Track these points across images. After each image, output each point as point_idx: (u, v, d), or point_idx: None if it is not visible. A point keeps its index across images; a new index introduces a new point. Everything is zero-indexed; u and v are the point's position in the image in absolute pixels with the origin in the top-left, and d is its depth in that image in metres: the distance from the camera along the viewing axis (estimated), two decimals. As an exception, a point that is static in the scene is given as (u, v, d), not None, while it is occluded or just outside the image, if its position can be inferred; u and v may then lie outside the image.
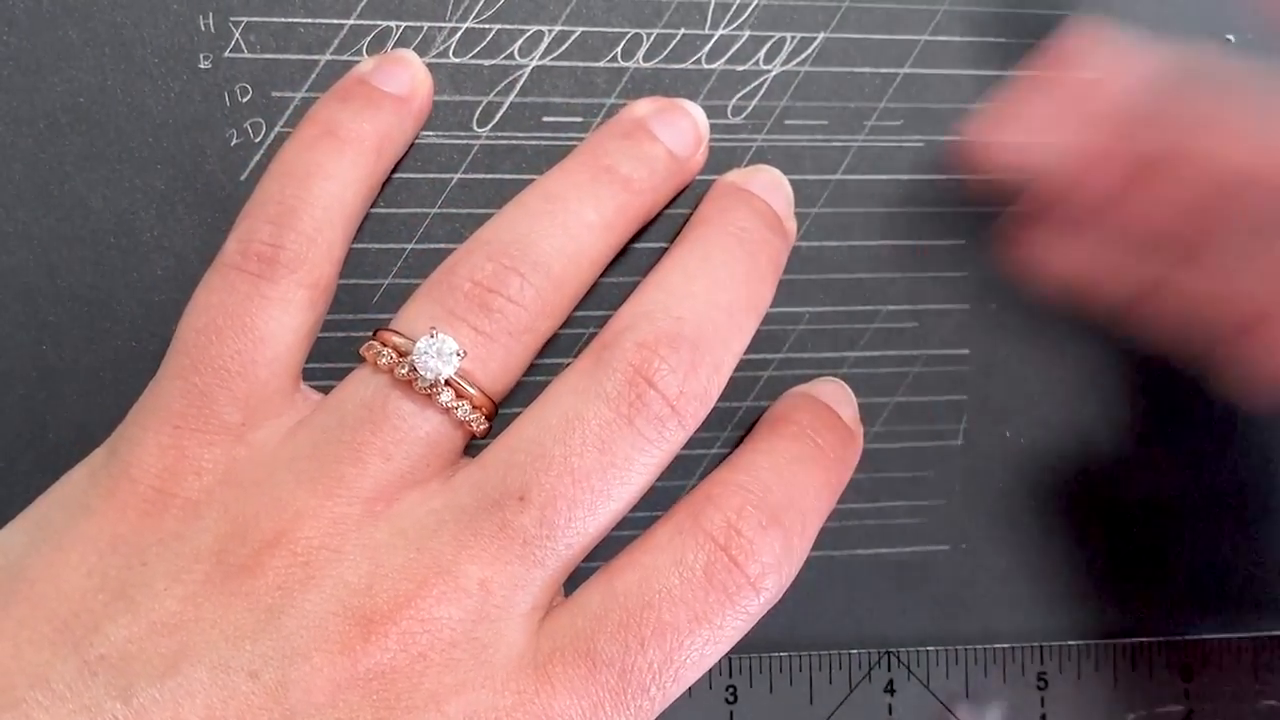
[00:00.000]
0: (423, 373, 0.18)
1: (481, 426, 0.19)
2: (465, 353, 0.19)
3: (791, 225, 0.23)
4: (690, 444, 0.23)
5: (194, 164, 0.22)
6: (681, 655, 0.18)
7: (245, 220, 0.20)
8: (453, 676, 0.17)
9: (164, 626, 0.17)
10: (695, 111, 0.22)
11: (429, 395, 0.19)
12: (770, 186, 0.22)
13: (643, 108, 0.22)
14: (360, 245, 0.22)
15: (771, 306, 0.23)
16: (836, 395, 0.23)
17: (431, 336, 0.19)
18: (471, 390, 0.19)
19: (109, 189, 0.22)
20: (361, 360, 0.19)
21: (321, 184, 0.20)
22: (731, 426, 0.24)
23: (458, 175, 0.23)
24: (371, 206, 0.22)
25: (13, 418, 0.22)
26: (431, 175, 0.23)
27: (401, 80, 0.21)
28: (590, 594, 0.19)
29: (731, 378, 0.23)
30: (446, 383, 0.19)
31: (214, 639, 0.17)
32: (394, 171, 0.22)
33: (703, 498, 0.19)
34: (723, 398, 0.23)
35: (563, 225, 0.20)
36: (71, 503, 0.19)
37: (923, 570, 0.25)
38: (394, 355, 0.19)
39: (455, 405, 0.19)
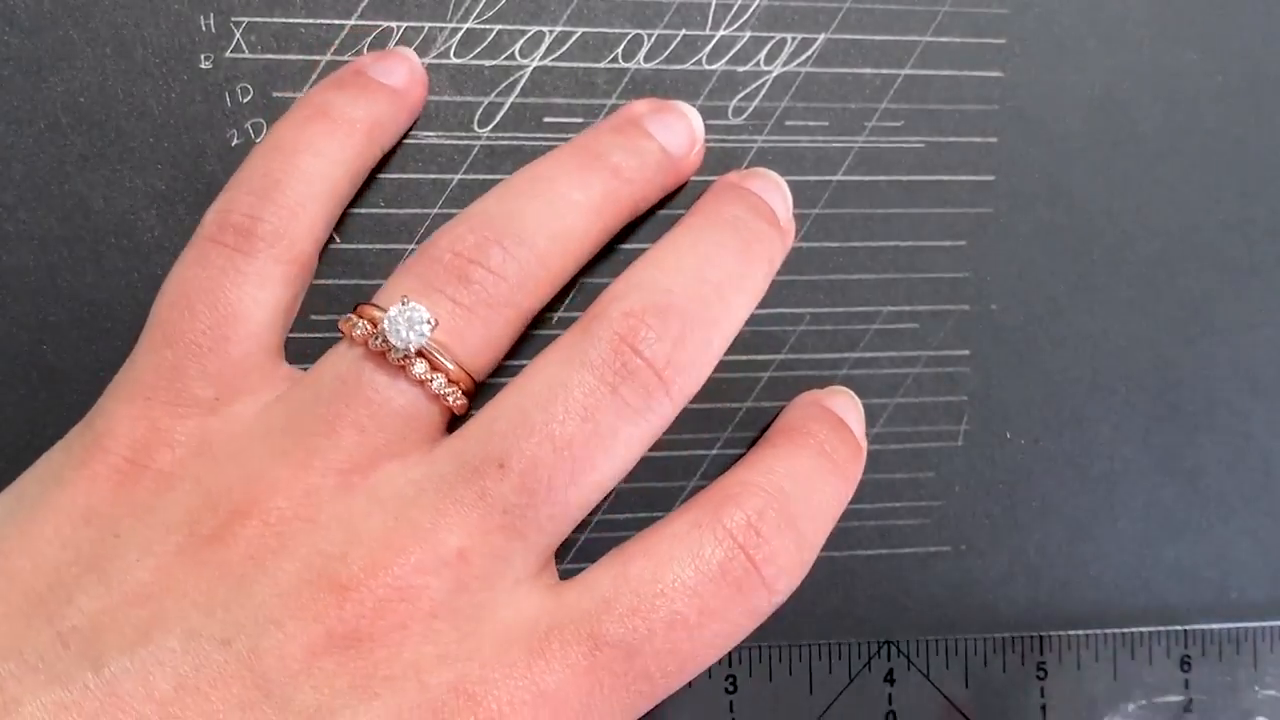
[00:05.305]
0: (394, 342, 0.18)
1: (459, 401, 0.19)
2: (437, 322, 0.18)
3: (789, 226, 0.23)
4: (691, 445, 0.23)
5: (194, 164, 0.22)
6: (687, 647, 0.18)
7: (227, 192, 0.20)
8: (434, 647, 0.17)
9: (136, 597, 0.17)
10: (691, 114, 0.22)
11: (402, 367, 0.18)
12: (767, 187, 0.22)
13: (639, 107, 0.22)
14: (361, 245, 0.22)
15: (772, 307, 0.24)
16: (847, 408, 0.22)
17: (403, 305, 0.18)
18: (447, 363, 0.19)
19: (109, 189, 0.22)
20: (341, 335, 0.19)
21: (309, 160, 0.20)
22: (733, 427, 0.24)
23: (458, 176, 0.23)
24: (372, 207, 0.22)
25: (13, 418, 0.22)
26: (432, 175, 0.23)
27: (399, 73, 0.21)
28: (600, 576, 0.18)
29: (732, 379, 0.23)
30: (420, 354, 0.18)
31: (185, 608, 0.17)
32: (394, 171, 0.22)
33: (722, 495, 0.19)
34: (724, 398, 0.23)
35: (548, 202, 0.20)
36: (47, 475, 0.19)
37: (923, 572, 0.25)
38: (368, 327, 0.19)
39: (430, 378, 0.18)
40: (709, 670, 0.23)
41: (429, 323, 0.18)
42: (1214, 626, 0.25)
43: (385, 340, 0.18)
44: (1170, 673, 0.24)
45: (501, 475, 0.18)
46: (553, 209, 0.20)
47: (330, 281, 0.22)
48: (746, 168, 0.23)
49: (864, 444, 0.22)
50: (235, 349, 0.19)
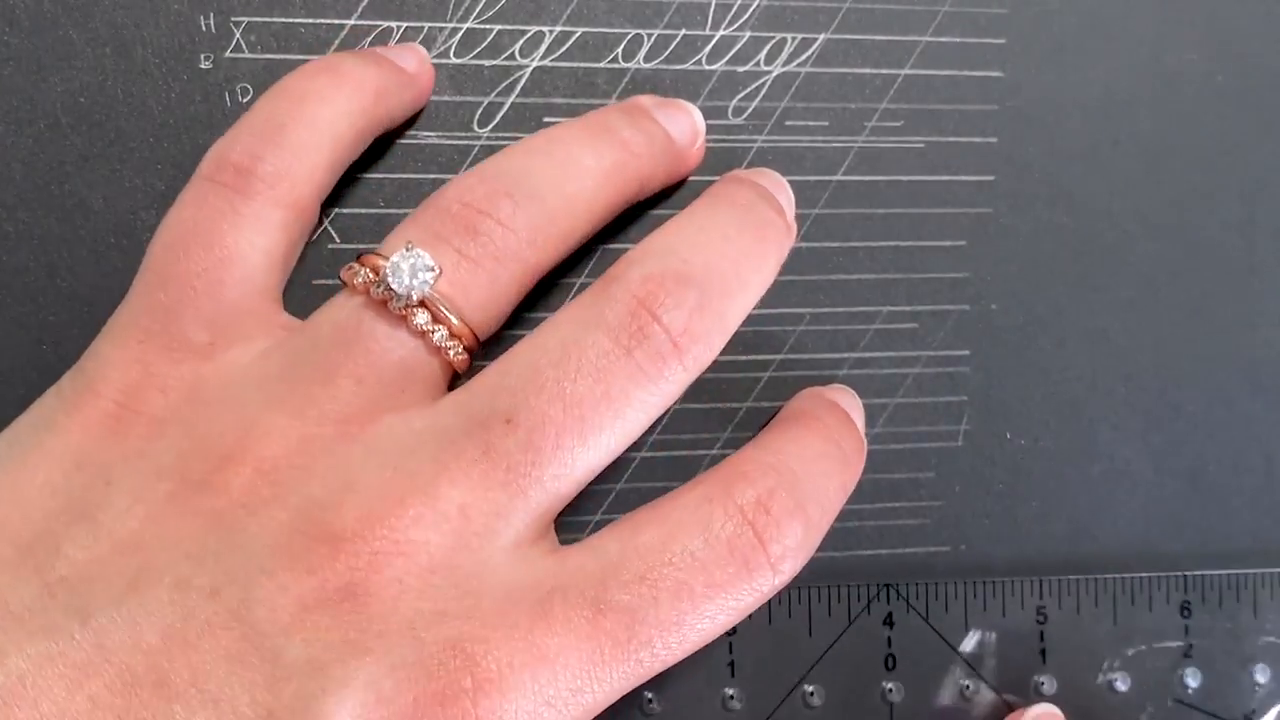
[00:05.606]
0: (395, 289, 0.18)
1: (460, 356, 0.19)
2: (441, 269, 0.18)
3: (793, 225, 0.22)
4: (691, 445, 0.23)
5: (194, 164, 0.22)
6: (692, 619, 0.17)
7: (228, 134, 0.19)
8: (431, 604, 0.17)
9: (126, 546, 0.17)
10: (694, 110, 0.23)
11: (403, 317, 0.18)
12: (774, 185, 0.22)
13: (643, 100, 0.22)
14: (361, 245, 0.22)
15: (772, 307, 0.24)
16: (850, 405, 0.22)
17: (406, 251, 0.18)
18: (450, 316, 0.18)
19: (109, 189, 0.22)
20: (343, 285, 0.19)
21: (315, 107, 0.19)
22: (732, 427, 0.24)
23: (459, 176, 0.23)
24: (372, 207, 0.22)
25: (13, 418, 0.22)
26: (432, 175, 0.23)
27: (409, 60, 0.22)
28: (607, 542, 0.18)
29: (732, 379, 0.23)
30: (423, 304, 0.18)
31: (175, 558, 0.16)
32: (394, 171, 0.22)
33: (734, 471, 0.19)
34: (724, 398, 0.23)
35: (560, 163, 0.20)
36: (39, 420, 0.18)
37: (923, 572, 0.25)
38: (370, 275, 0.18)
39: (431, 329, 0.18)
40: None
41: (432, 270, 0.18)
42: (1214, 573, 0.25)
43: (387, 288, 0.18)
44: (1170, 619, 0.24)
45: (508, 430, 0.17)
46: (564, 170, 0.20)
47: (332, 281, 0.22)
48: (747, 168, 0.23)
49: (865, 441, 0.22)
50: (231, 292, 0.19)
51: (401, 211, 0.22)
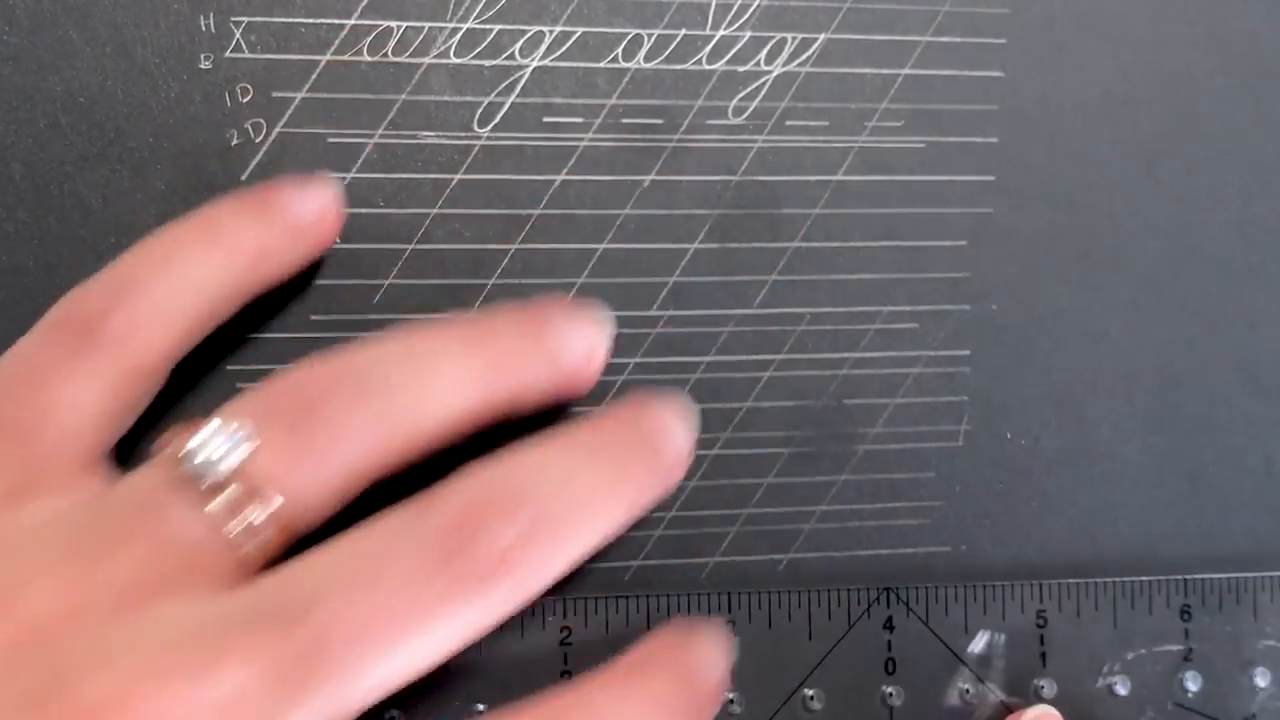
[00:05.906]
0: (199, 467, 0.17)
1: (260, 549, 0.17)
2: (254, 453, 0.17)
3: (679, 461, 0.20)
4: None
5: (194, 164, 0.22)
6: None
7: (87, 282, 0.19)
8: None
9: None
10: (599, 327, 0.21)
11: (206, 497, 0.17)
12: (667, 421, 0.20)
13: (553, 308, 0.20)
14: (360, 245, 0.22)
15: (772, 307, 0.24)
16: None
17: (217, 427, 0.17)
18: (258, 503, 0.17)
19: (109, 189, 0.22)
20: (152, 453, 0.18)
21: (179, 269, 0.19)
22: (732, 428, 0.24)
23: (458, 176, 0.23)
24: (371, 207, 0.22)
25: (12, 418, 0.22)
26: (432, 175, 0.23)
27: (310, 205, 0.21)
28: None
29: (732, 379, 0.23)
30: (228, 488, 0.17)
31: None
32: (394, 171, 0.22)
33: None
34: (724, 398, 0.23)
35: (416, 369, 0.18)
36: None
37: (923, 572, 0.25)
38: (180, 447, 0.17)
39: (230, 517, 0.17)
40: (708, 616, 0.23)
41: (241, 453, 0.17)
42: (1214, 576, 0.25)
43: (192, 463, 0.17)
44: (1170, 622, 0.24)
45: (294, 629, 0.16)
46: (420, 368, 0.18)
47: (331, 281, 0.22)
48: (745, 171, 0.23)
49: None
50: (47, 444, 0.18)
51: (401, 211, 0.22)
